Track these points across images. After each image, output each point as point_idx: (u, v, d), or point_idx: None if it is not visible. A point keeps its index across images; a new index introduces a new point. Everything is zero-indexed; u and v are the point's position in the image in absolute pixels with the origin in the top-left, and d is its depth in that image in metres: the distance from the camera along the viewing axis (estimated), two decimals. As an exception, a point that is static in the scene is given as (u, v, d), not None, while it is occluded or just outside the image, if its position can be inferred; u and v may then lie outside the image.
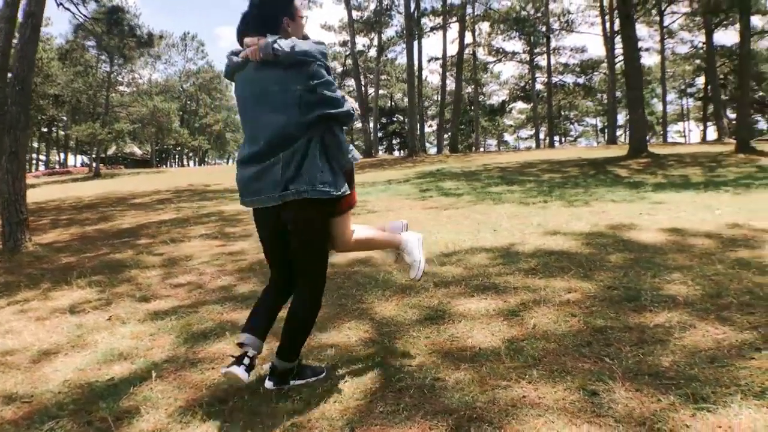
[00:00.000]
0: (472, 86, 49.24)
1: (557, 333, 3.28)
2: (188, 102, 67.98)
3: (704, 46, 39.05)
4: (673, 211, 7.51)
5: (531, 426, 2.23)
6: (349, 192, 2.64)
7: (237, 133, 67.48)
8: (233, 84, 2.66)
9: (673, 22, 39.47)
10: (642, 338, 3.13)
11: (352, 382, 2.75)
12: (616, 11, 29.58)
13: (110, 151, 50.98)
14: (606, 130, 51.74)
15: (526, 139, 72.26)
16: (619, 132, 45.85)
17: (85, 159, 63.30)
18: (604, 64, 41.97)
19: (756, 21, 36.83)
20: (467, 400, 2.48)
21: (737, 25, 36.87)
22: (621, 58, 23.23)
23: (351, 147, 2.72)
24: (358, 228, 2.92)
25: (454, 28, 38.57)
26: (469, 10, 37.56)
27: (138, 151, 58.56)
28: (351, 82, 51.06)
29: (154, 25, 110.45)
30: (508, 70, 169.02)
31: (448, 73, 38.97)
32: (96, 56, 41.04)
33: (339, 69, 51.84)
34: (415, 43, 32.06)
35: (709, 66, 31.41)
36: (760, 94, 47.16)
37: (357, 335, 3.43)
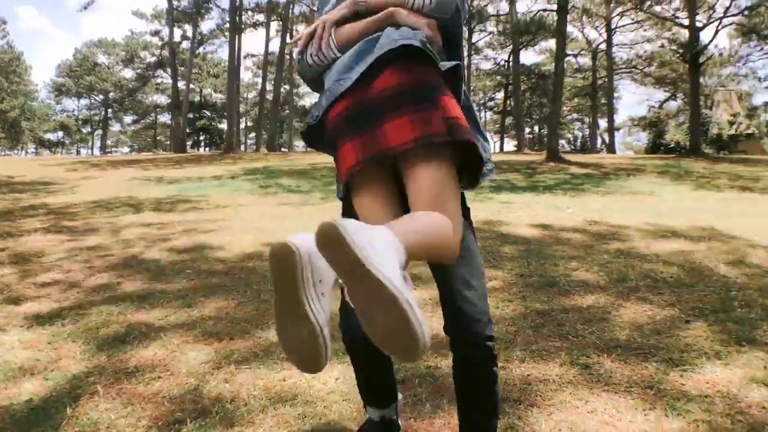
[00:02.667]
0: (287, 86, 49.24)
1: (508, 317, 3.48)
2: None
3: (506, 63, 43.42)
4: (528, 210, 8.29)
5: (559, 399, 2.36)
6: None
7: (33, 122, 59.60)
8: None
9: (480, 39, 43.24)
10: (586, 318, 3.45)
11: (345, 378, 2.64)
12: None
13: None
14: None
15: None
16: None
17: None
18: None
19: (552, 45, 41.99)
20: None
21: (538, 47, 41.46)
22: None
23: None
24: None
25: (272, 26, 38.30)
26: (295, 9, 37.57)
27: None
28: (163, 74, 48.32)
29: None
30: None
31: (262, 71, 38.54)
32: None
33: (150, 59, 48.71)
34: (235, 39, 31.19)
35: (515, 82, 34.99)
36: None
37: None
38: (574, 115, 60.07)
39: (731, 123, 35.43)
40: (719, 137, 34.31)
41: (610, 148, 40.63)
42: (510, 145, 55.75)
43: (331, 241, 1.05)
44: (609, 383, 2.51)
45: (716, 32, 26.80)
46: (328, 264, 1.08)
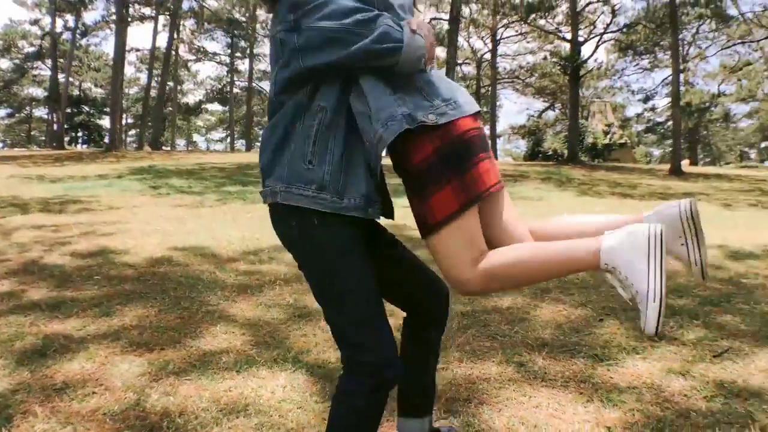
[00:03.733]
0: (171, 83, 47.35)
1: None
2: None
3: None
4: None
5: (505, 396, 2.49)
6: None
7: None
8: None
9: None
10: (508, 318, 3.64)
11: (292, 386, 2.62)
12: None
13: None
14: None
15: (218, 141, 71.81)
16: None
17: None
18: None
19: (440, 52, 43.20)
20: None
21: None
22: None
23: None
24: None
25: (160, 20, 36.70)
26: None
27: None
28: (41, 66, 44.82)
29: None
30: (206, 70, 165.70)
31: (148, 67, 36.83)
32: None
33: (29, 49, 45.01)
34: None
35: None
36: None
37: (241, 339, 3.22)
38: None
39: (606, 133, 38.16)
40: (594, 146, 36.83)
41: (493, 155, 42.50)
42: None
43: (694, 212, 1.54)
44: (546, 379, 2.68)
45: (596, 47, 28.84)
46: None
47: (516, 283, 1.56)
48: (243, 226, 6.81)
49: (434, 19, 31.74)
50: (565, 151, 29.64)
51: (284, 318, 3.56)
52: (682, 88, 27.32)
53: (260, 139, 1.67)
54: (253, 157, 27.56)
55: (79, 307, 3.63)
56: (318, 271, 1.53)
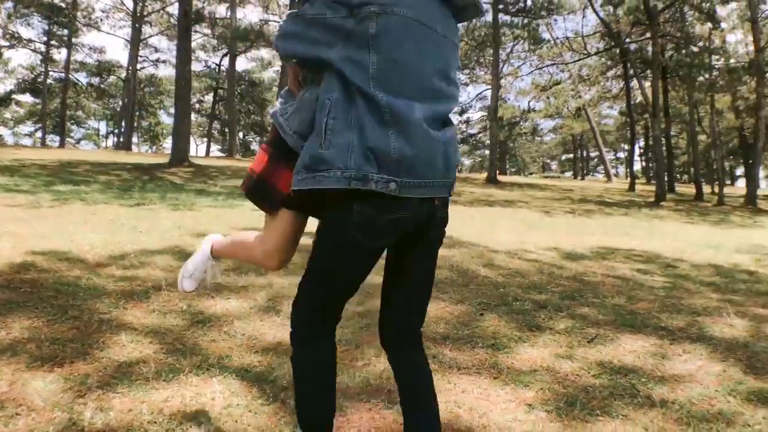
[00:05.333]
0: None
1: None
2: None
3: (218, 67, 43.26)
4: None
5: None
6: None
7: None
8: None
9: (194, 41, 42.38)
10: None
11: (230, 391, 2.67)
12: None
13: None
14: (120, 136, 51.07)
15: (26, 135, 64.69)
16: (135, 139, 46.17)
17: None
18: (122, 69, 41.76)
19: (264, 53, 43.05)
20: (369, 377, 2.82)
21: (250, 54, 41.96)
22: (145, 65, 23.75)
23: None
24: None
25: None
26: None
27: None
28: None
29: None
30: (19, 58, 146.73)
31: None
32: None
33: None
34: None
35: (229, 88, 35.15)
36: (260, 118, 54.39)
37: (150, 348, 3.15)
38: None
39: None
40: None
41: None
42: (215, 149, 55.57)
43: None
44: (461, 368, 3.01)
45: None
46: None
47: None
48: (98, 229, 6.43)
49: (263, 20, 31.49)
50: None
51: (185, 324, 3.53)
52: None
53: (444, 140, 1.70)
54: (73, 154, 25.40)
55: (-50, 322, 3.29)
56: None
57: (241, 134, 59.97)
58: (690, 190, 28.14)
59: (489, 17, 26.41)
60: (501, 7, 27.17)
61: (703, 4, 24.01)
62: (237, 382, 2.73)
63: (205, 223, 7.49)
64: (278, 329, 3.54)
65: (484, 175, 27.96)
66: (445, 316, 3.99)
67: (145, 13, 38.24)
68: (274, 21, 32.80)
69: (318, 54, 1.63)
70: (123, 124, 41.09)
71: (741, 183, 54.43)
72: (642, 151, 51.42)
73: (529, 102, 42.96)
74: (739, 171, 56.13)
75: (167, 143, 58.06)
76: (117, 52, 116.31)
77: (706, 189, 29.89)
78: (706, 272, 6.20)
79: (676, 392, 2.80)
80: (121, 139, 40.97)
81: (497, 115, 27.70)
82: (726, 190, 25.70)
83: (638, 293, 4.90)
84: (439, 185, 1.68)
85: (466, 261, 5.89)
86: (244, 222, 7.83)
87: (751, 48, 24.01)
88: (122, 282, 4.33)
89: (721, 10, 27.42)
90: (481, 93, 49.61)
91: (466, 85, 42.13)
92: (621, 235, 10.05)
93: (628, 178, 32.54)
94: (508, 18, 29.30)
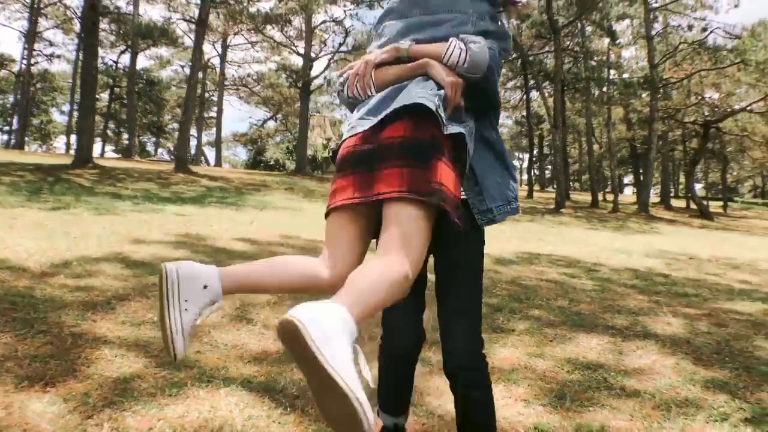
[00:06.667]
0: None
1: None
2: None
3: (114, 64, 41.53)
4: (220, 223, 8.54)
5: (434, 385, 2.95)
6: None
7: None
8: None
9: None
10: (369, 322, 4.09)
11: (247, 402, 2.72)
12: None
13: None
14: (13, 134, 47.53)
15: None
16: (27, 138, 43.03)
17: None
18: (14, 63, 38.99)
19: (163, 51, 41.58)
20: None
21: (148, 52, 40.59)
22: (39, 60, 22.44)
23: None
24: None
25: None
26: None
27: None
28: None
29: None
30: None
31: None
32: None
33: None
34: None
35: (129, 86, 33.81)
36: (156, 118, 52.41)
37: (139, 362, 3.10)
38: (175, 126, 60.27)
39: (324, 146, 40.59)
40: (314, 158, 38.92)
41: (218, 162, 42.29)
42: (109, 149, 52.89)
43: (288, 335, 1.22)
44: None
45: (328, 64, 30.68)
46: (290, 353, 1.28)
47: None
48: (28, 235, 6.12)
49: (169, 19, 30.59)
50: (287, 162, 30.85)
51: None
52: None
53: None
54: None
55: None
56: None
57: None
58: (583, 197, 30.09)
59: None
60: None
61: (604, 22, 25.65)
62: (245, 393, 2.77)
63: (137, 229, 7.28)
64: (258, 338, 3.60)
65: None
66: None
67: (41, 6, 35.86)
68: (178, 19, 31.80)
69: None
70: (14, 121, 38.31)
71: (628, 191, 58.61)
72: (536, 159, 53.95)
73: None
74: (627, 179, 60.39)
75: (59, 142, 54.70)
76: (9, 45, 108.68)
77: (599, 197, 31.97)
78: (626, 276, 6.80)
79: (643, 383, 3.15)
80: (13, 138, 38.18)
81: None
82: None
83: (575, 296, 5.33)
84: None
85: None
86: (176, 228, 7.67)
87: (645, 63, 25.86)
88: (79, 292, 4.20)
89: (617, 26, 29.19)
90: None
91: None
92: (536, 240, 10.69)
93: (526, 186, 34.25)
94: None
